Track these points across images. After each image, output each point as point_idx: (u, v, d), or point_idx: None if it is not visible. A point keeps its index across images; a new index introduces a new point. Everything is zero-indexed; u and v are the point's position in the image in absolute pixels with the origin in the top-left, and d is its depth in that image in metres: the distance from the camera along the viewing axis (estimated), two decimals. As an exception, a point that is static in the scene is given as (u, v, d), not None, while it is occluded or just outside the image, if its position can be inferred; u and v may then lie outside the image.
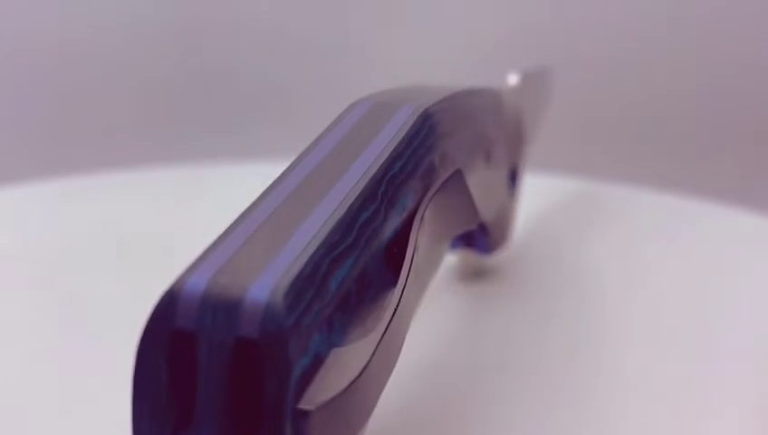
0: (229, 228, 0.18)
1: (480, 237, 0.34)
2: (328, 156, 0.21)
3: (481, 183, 0.27)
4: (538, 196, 0.44)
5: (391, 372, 0.20)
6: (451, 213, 0.24)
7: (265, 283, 0.16)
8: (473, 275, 0.36)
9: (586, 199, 0.47)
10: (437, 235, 0.23)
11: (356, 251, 0.19)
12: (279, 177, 0.20)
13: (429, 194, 0.22)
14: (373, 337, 0.18)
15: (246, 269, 0.17)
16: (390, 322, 0.19)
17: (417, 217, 0.21)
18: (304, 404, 0.16)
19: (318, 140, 0.22)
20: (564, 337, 0.31)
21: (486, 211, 0.30)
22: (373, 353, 0.18)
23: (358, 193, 0.20)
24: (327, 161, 0.21)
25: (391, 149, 0.21)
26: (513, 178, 0.35)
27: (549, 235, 0.42)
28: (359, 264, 0.19)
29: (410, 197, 0.22)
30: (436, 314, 0.32)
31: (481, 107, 0.28)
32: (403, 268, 0.20)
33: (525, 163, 0.37)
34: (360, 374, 0.17)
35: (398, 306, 0.19)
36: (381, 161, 0.21)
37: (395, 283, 0.20)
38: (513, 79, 0.38)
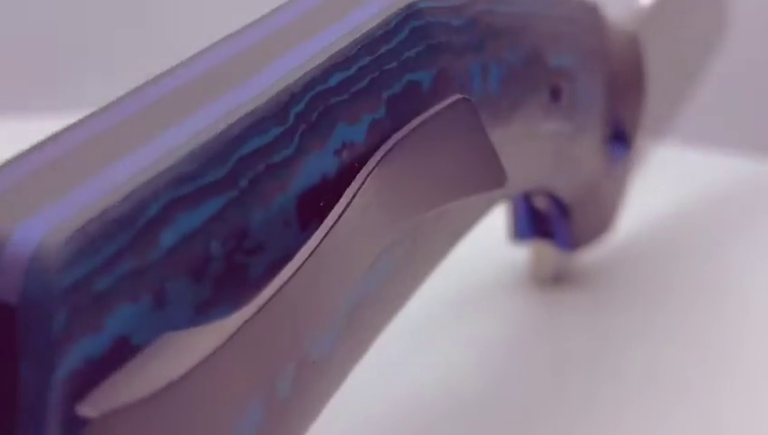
0: (38, 144, 0.14)
1: (560, 225, 0.26)
2: (239, 53, 0.16)
3: (535, 136, 0.21)
4: (680, 176, 0.34)
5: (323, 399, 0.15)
6: (450, 165, 0.17)
7: (44, 223, 0.12)
8: (551, 280, 0.27)
9: (748, 185, 0.35)
10: (428, 197, 0.17)
11: (227, 193, 0.14)
12: (158, 75, 0.15)
13: (403, 131, 0.16)
14: (234, 322, 0.13)
15: (26, 202, 0.13)
16: (279, 304, 0.13)
17: (372, 161, 0.15)
18: (85, 408, 0.12)
19: (242, 30, 0.16)
20: (675, 376, 0.23)
21: (551, 181, 0.23)
22: (228, 343, 0.13)
23: (251, 109, 0.14)
24: (235, 60, 0.16)
25: (333, 51, 0.16)
26: (621, 142, 0.24)
27: (680, 230, 0.30)
28: (231, 213, 0.14)
29: (358, 128, 0.16)
30: (492, 331, 0.25)
31: (546, 16, 0.21)
32: (318, 232, 0.14)
33: (652, 126, 0.28)
34: (200, 372, 0.12)
35: (298, 286, 0.14)
36: (309, 68, 0.15)
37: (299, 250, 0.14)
38: None
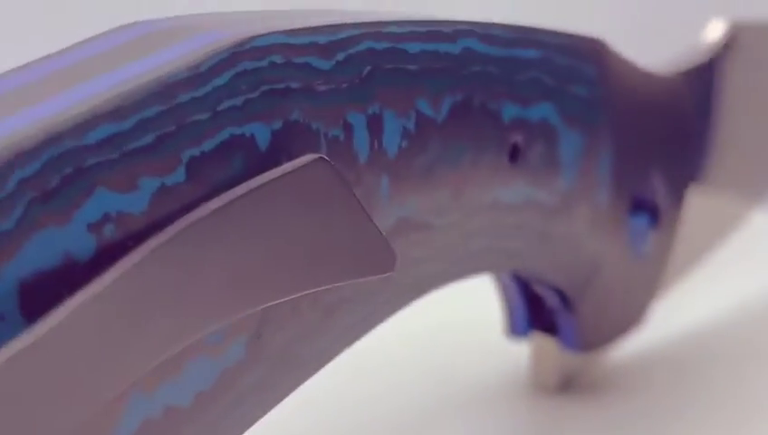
0: None
1: (564, 319, 0.21)
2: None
3: (492, 208, 0.17)
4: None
5: None
6: (296, 245, 0.13)
7: None
8: (558, 386, 0.21)
9: None
10: (257, 288, 0.13)
11: None
12: None
13: (216, 201, 0.13)
14: None
15: None
16: None
17: (161, 237, 0.12)
18: None
19: (20, 69, 0.14)
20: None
21: (534, 264, 0.19)
22: None
23: None
24: None
25: (100, 100, 0.12)
26: (648, 214, 0.20)
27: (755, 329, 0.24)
28: None
29: (134, 197, 0.12)
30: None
31: (498, 58, 0.17)
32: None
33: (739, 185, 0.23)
34: None
35: None
36: (57, 121, 0.12)
37: None
38: (714, 30, 0.23)
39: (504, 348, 0.22)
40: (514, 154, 0.17)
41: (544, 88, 0.17)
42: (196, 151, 0.12)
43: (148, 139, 0.12)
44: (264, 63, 0.13)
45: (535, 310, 0.21)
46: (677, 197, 0.22)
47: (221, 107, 0.13)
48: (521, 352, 0.21)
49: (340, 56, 0.14)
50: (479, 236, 0.17)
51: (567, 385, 0.21)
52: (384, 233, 0.14)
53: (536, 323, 0.21)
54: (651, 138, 0.20)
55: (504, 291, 0.21)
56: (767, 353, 0.23)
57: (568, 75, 0.18)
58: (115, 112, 0.12)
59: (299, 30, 0.14)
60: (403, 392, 0.21)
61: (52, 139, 0.12)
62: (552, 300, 0.20)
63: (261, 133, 0.13)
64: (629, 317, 0.21)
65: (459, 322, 0.23)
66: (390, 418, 0.20)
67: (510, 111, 0.16)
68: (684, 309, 0.25)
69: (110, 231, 0.12)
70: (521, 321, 0.21)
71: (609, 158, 0.19)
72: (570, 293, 0.20)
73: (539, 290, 0.20)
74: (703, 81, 0.22)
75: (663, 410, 0.21)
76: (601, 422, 0.20)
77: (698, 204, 0.24)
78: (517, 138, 0.17)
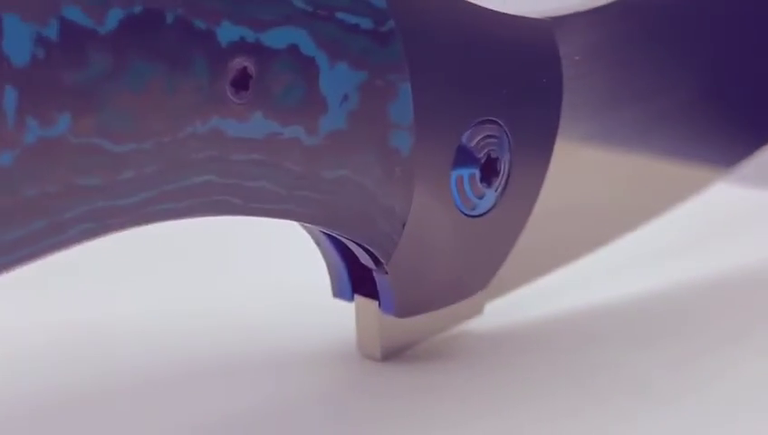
0: None
1: (379, 279, 0.19)
2: None
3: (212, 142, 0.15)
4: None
5: None
6: None
7: None
8: (383, 355, 0.20)
9: None
10: None
11: None
12: None
13: None
14: None
15: None
16: None
17: None
18: None
19: None
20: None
21: (300, 210, 0.17)
22: None
23: None
24: None
25: None
26: (489, 170, 0.19)
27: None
28: None
29: None
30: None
31: None
32: None
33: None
34: None
35: None
36: None
37: None
38: None
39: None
40: (243, 82, 0.15)
41: (294, 11, 0.15)
42: None
43: None
44: None
45: (359, 272, 0.19)
46: (535, 152, 0.19)
47: None
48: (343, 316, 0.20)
49: None
50: (201, 170, 0.15)
51: (394, 354, 0.19)
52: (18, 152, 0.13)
53: (361, 287, 0.19)
54: (488, 82, 0.18)
55: (323, 251, 0.19)
56: (625, 342, 0.21)
57: (334, 2, 0.16)
58: None
59: None
60: (219, 350, 0.20)
61: None
62: (363, 258, 0.18)
63: None
64: (463, 281, 0.19)
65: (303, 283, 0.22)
66: (205, 375, 0.19)
67: (231, 32, 0.15)
68: (572, 286, 0.23)
69: None
70: (344, 283, 0.19)
71: (401, 99, 0.17)
72: (374, 249, 0.18)
73: (352, 248, 0.18)
74: (577, 28, 0.20)
75: (489, 384, 0.19)
76: (419, 393, 0.18)
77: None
78: (245, 63, 0.15)
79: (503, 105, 0.19)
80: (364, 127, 0.17)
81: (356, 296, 0.19)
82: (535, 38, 0.19)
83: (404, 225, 0.18)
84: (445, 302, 0.19)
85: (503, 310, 0.21)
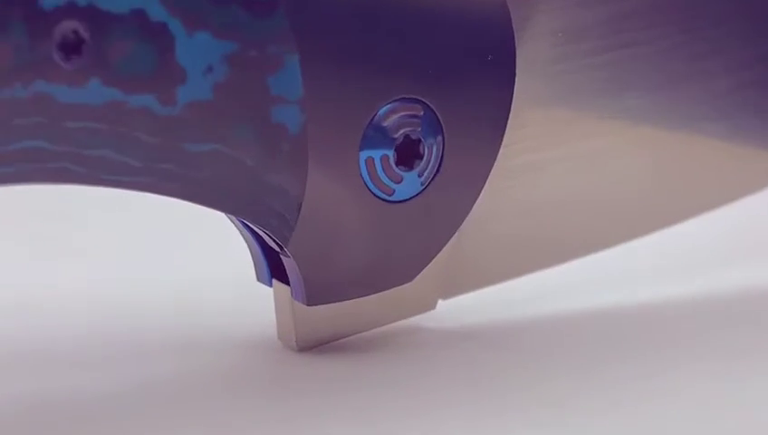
0: None
1: (287, 263, 0.18)
2: None
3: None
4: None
5: None
6: None
7: None
8: (300, 344, 0.19)
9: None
10: None
11: None
12: None
13: None
14: None
15: None
16: None
17: None
18: None
19: None
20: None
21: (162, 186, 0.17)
22: None
23: None
24: None
25: None
26: (406, 153, 0.18)
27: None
28: None
29: None
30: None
31: None
32: None
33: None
34: None
35: None
36: None
37: None
38: None
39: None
40: (75, 46, 0.15)
41: None
42: None
43: None
44: None
45: (268, 255, 0.18)
46: (479, 135, 0.18)
47: None
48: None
49: None
50: (29, 135, 0.15)
51: (313, 345, 0.18)
52: None
53: (281, 272, 0.18)
54: (406, 57, 0.17)
55: (240, 232, 0.18)
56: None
57: None
58: None
59: None
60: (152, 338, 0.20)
61: None
62: (268, 239, 0.17)
63: None
64: (384, 271, 0.18)
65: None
66: (119, 356, 0.19)
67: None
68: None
69: None
70: (261, 267, 0.18)
71: (286, 72, 0.16)
72: (269, 231, 0.17)
73: (255, 228, 0.17)
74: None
75: (413, 382, 0.18)
76: (325, 386, 0.17)
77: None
78: (75, 27, 0.14)
79: (428, 83, 0.17)
80: (236, 100, 0.16)
81: (274, 282, 0.18)
82: (480, 9, 0.18)
83: (300, 206, 0.17)
84: (362, 291, 0.18)
85: (471, 308, 0.20)
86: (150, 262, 0.23)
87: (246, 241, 0.18)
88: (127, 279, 0.22)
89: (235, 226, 0.18)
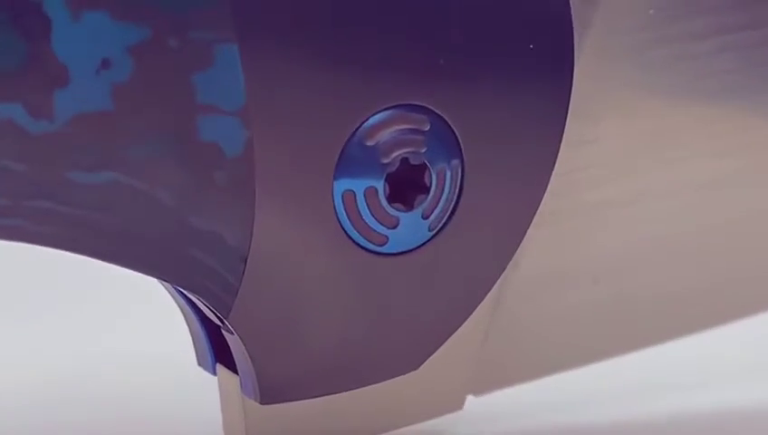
0: None
1: (232, 343, 0.13)
2: None
3: None
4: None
5: None
6: None
7: None
8: None
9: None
10: None
11: None
12: None
13: None
14: None
15: None
16: None
17: None
18: None
19: None
20: None
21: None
22: None
23: None
24: None
25: None
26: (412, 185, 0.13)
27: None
28: None
29: None
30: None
31: None
32: None
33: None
34: None
35: None
36: None
37: None
38: None
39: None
40: None
41: None
42: None
43: None
44: None
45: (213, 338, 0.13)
46: (519, 158, 0.13)
47: None
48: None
49: None
50: None
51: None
52: None
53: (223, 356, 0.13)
54: (406, 46, 0.12)
55: (175, 301, 0.13)
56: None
57: None
58: None
59: None
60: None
61: None
62: (206, 310, 0.12)
63: None
64: (375, 354, 0.13)
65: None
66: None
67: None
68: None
69: None
70: (203, 349, 0.13)
71: (219, 69, 0.11)
72: (202, 297, 0.12)
73: (188, 294, 0.12)
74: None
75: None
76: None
77: None
78: None
79: (438, 83, 0.12)
80: (145, 109, 0.11)
81: (219, 368, 0.13)
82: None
83: (245, 260, 0.12)
84: (342, 384, 0.13)
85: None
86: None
87: (182, 311, 0.14)
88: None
89: (166, 289, 0.13)
